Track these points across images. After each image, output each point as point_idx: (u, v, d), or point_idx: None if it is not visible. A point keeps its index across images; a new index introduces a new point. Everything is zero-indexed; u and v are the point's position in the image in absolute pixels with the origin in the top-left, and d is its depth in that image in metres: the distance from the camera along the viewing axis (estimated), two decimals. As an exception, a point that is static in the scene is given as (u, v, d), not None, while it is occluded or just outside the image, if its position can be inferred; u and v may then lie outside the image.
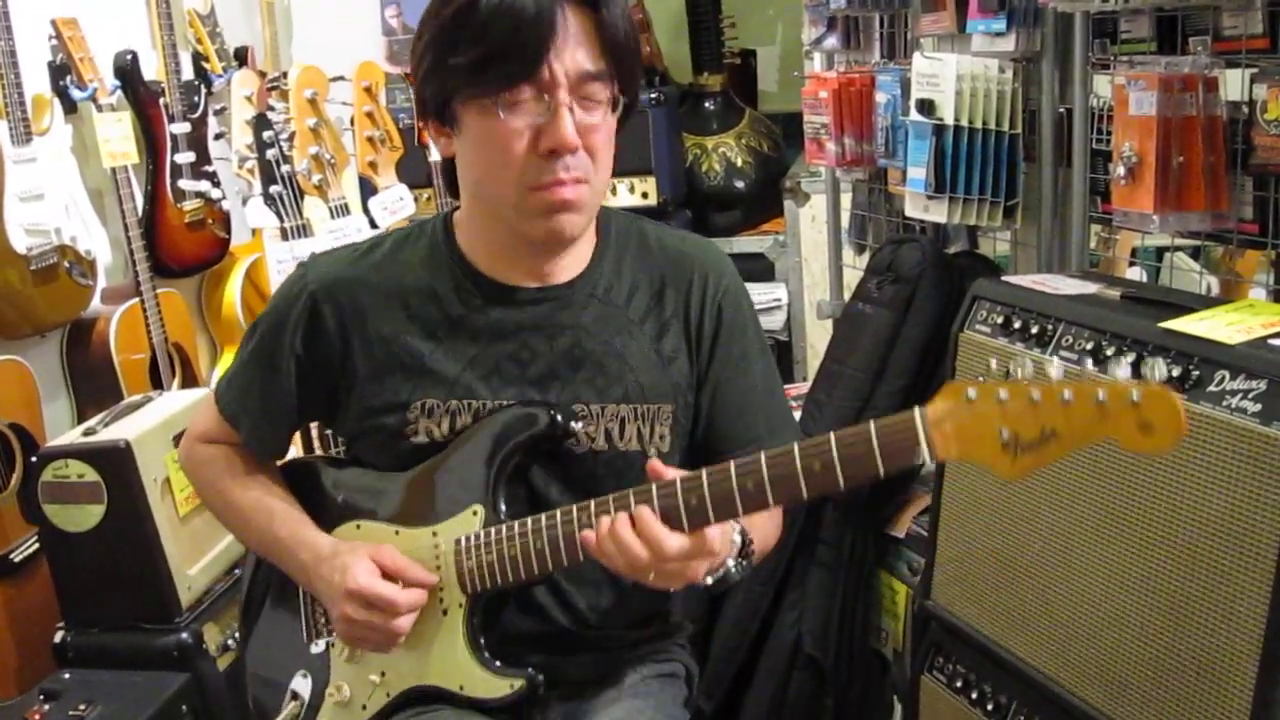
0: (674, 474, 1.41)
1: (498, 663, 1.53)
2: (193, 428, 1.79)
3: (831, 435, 1.32)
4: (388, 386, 1.59)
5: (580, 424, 1.57)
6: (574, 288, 1.61)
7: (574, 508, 1.47)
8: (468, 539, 1.53)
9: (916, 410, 1.28)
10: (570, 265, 1.61)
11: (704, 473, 1.38)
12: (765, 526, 1.62)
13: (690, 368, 1.64)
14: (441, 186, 3.06)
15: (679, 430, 1.64)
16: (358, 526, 1.61)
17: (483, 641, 1.54)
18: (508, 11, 1.41)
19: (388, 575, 1.51)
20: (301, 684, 1.65)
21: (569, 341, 1.59)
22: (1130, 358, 1.22)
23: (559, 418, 1.55)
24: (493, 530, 1.52)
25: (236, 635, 2.63)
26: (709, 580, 1.46)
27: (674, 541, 1.37)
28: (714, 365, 1.65)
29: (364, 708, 1.60)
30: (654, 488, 1.40)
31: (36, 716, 2.36)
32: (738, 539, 1.48)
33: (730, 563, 1.47)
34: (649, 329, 1.62)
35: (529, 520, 1.49)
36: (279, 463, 1.78)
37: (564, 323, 1.59)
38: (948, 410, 1.26)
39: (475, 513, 1.54)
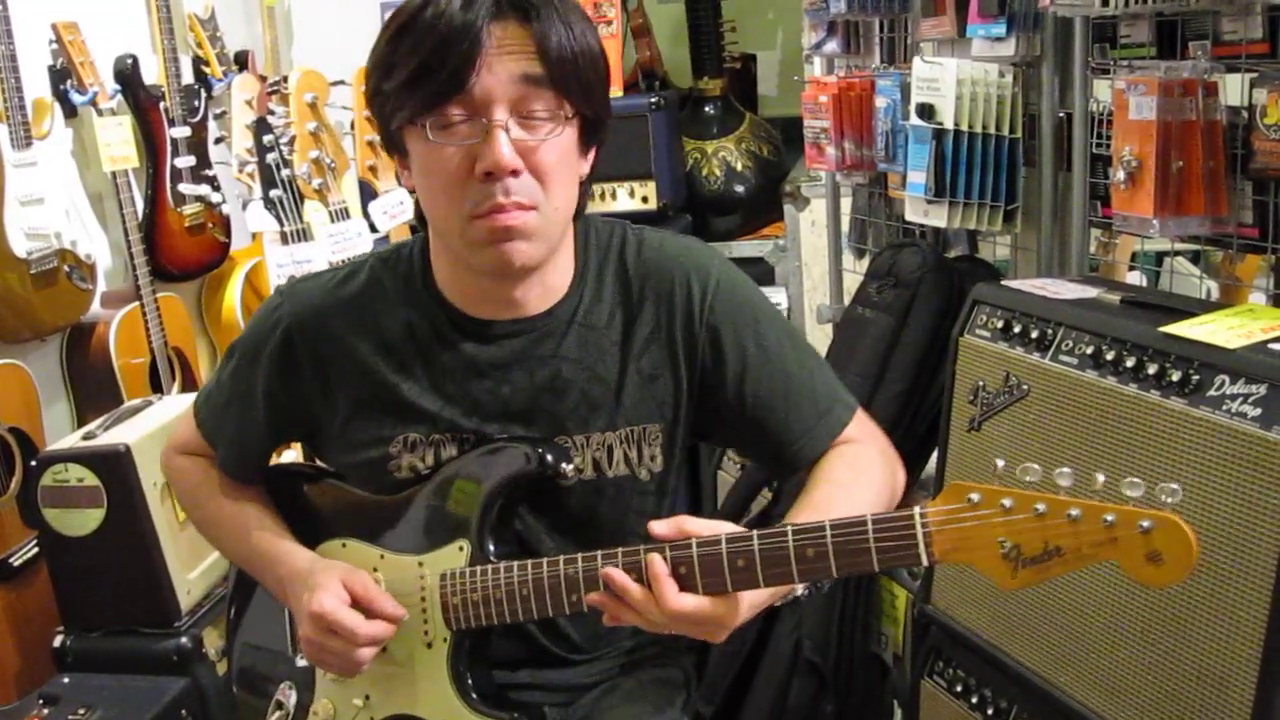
0: (660, 529, 1.37)
1: (482, 704, 1.51)
2: (172, 438, 1.77)
3: (827, 523, 1.29)
4: (368, 423, 1.56)
5: (570, 465, 1.52)
6: (552, 316, 1.53)
7: (560, 559, 1.42)
8: (453, 574, 1.49)
9: (916, 510, 1.25)
10: (547, 292, 1.53)
11: (694, 543, 1.33)
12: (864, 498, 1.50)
13: (675, 383, 1.56)
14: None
15: (672, 448, 1.58)
16: (343, 545, 1.58)
17: (469, 679, 1.52)
18: (433, 29, 1.35)
19: (357, 603, 1.47)
20: (287, 695, 1.64)
21: (550, 374, 1.53)
22: (1140, 484, 1.18)
23: (549, 457, 1.50)
24: (478, 570, 1.48)
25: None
26: (779, 603, 1.42)
27: (689, 602, 1.32)
28: (728, 368, 1.55)
29: None
30: (642, 552, 1.36)
31: (36, 721, 2.37)
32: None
33: (800, 589, 1.42)
34: (630, 348, 1.55)
35: (515, 565, 1.45)
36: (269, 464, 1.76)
37: (543, 354, 1.53)
38: (949, 513, 1.23)
39: (461, 548, 1.50)
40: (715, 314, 1.55)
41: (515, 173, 1.38)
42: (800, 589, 1.43)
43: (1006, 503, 1.21)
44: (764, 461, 1.64)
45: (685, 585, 1.34)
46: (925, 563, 1.26)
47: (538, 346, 1.53)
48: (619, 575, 1.35)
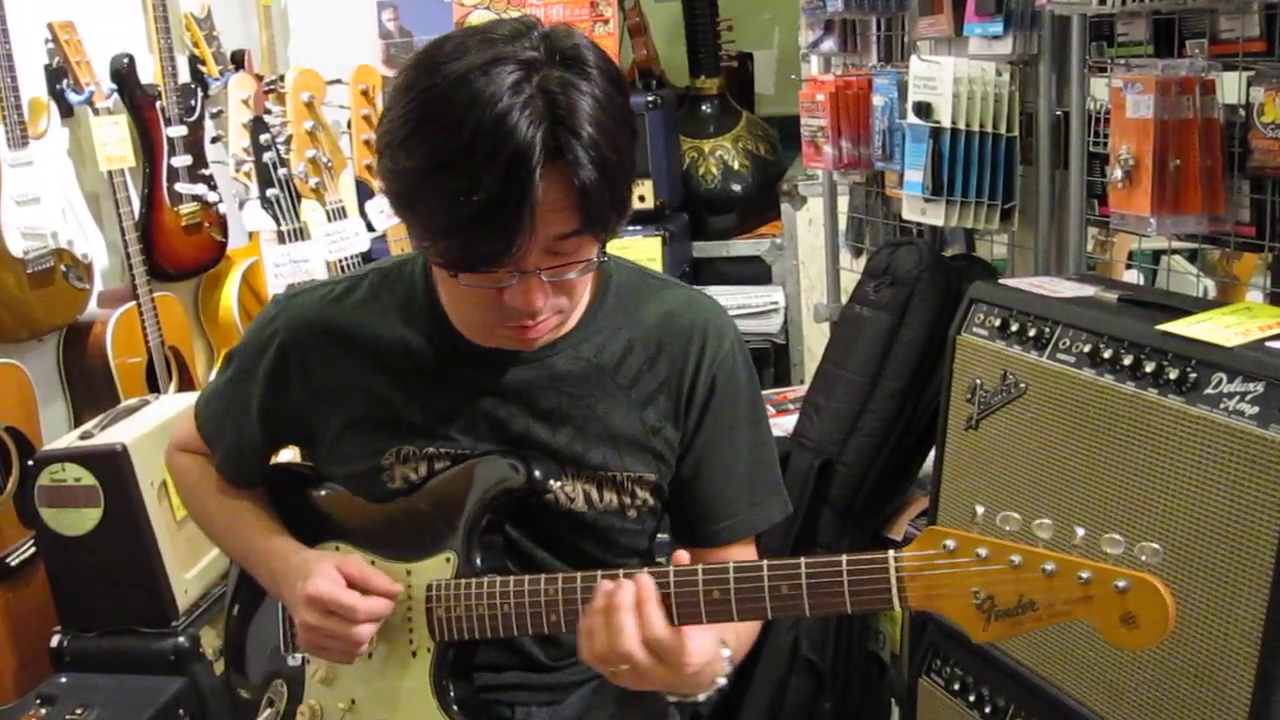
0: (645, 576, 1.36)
1: (463, 716, 1.51)
2: (175, 435, 1.78)
3: (802, 561, 1.28)
4: (361, 437, 1.55)
5: (558, 483, 1.52)
6: (557, 349, 1.52)
7: (542, 579, 1.42)
8: (438, 585, 1.49)
9: (891, 555, 1.24)
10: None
11: (671, 572, 1.34)
12: (748, 634, 1.57)
13: (676, 436, 1.57)
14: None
15: (660, 495, 1.59)
16: (337, 548, 1.59)
17: (451, 691, 1.51)
18: (473, 204, 1.23)
19: (352, 584, 1.47)
20: (278, 692, 1.64)
21: (548, 405, 1.52)
22: (1120, 541, 1.15)
23: (537, 473, 1.50)
24: (463, 583, 1.48)
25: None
26: (673, 699, 1.43)
27: (664, 628, 1.31)
28: (700, 434, 1.57)
29: None
30: (621, 576, 1.35)
31: (33, 721, 2.36)
32: (722, 681, 1.42)
33: (702, 696, 1.42)
34: (636, 395, 1.54)
35: (499, 581, 1.45)
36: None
37: (544, 385, 1.52)
38: (924, 560, 1.22)
39: (448, 559, 1.50)
40: (717, 379, 1.57)
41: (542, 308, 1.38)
42: (703, 696, 1.42)
43: (982, 552, 1.19)
44: (678, 526, 1.64)
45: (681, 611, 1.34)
46: (898, 608, 1.25)
47: (539, 377, 1.52)
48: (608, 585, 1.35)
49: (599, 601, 1.34)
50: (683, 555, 1.38)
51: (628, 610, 1.32)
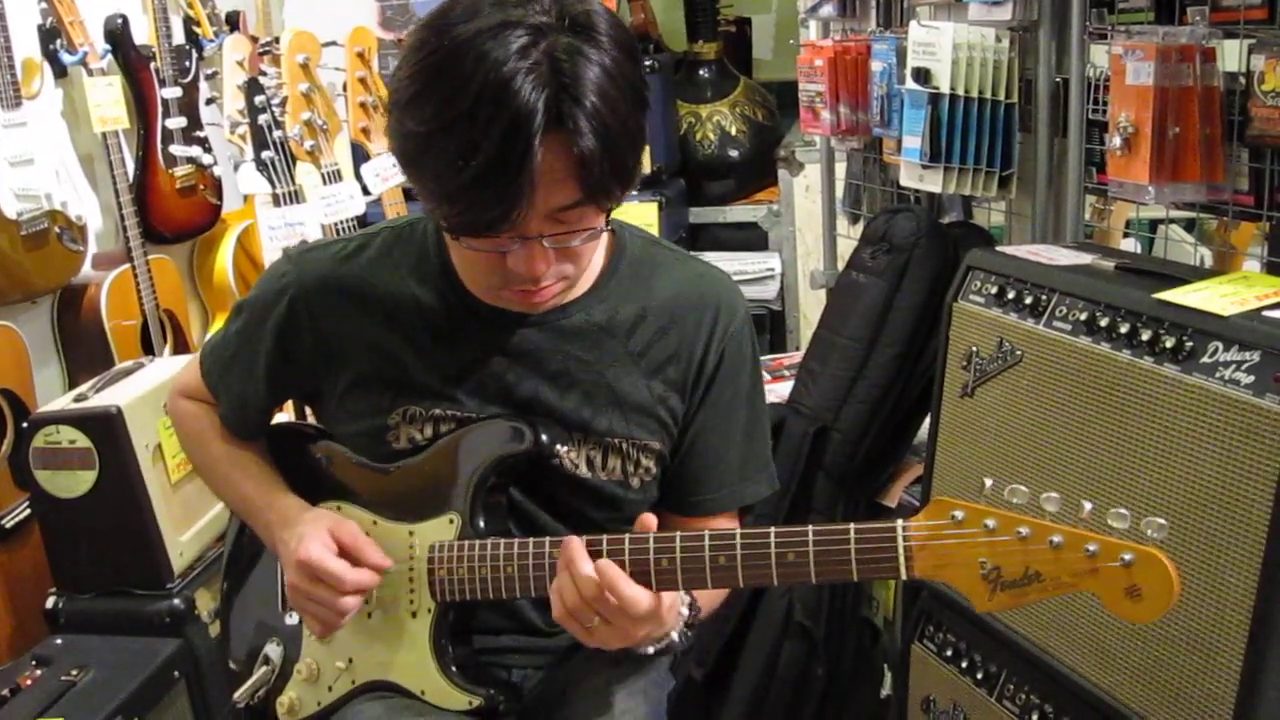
0: (649, 522, 1.39)
1: (460, 676, 1.52)
2: (178, 382, 1.78)
3: (810, 530, 1.29)
4: (368, 395, 1.56)
5: (565, 448, 1.52)
6: (568, 312, 1.52)
7: (546, 541, 1.43)
8: (441, 547, 1.50)
9: (899, 524, 1.25)
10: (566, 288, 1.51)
11: (678, 537, 1.35)
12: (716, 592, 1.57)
13: (682, 408, 1.58)
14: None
15: (664, 464, 1.59)
16: (338, 508, 1.59)
17: (450, 651, 1.53)
18: (472, 168, 1.23)
19: (345, 551, 1.48)
20: (274, 651, 1.65)
21: (557, 368, 1.53)
22: (1127, 515, 1.16)
23: (544, 438, 1.50)
24: (466, 544, 1.48)
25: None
26: (651, 649, 1.44)
27: (641, 597, 1.33)
28: (702, 406, 1.58)
29: (330, 689, 1.59)
30: (627, 540, 1.36)
31: (28, 682, 2.36)
32: (685, 611, 1.44)
33: (675, 635, 1.44)
34: (646, 365, 1.55)
35: (502, 543, 1.46)
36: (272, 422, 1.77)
37: (554, 348, 1.52)
38: (931, 530, 1.23)
39: (451, 521, 1.51)
40: (725, 354, 1.58)
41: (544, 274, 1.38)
42: (676, 635, 1.44)
43: (990, 523, 1.21)
44: (664, 492, 1.64)
45: (665, 577, 1.35)
46: (904, 577, 1.26)
47: (549, 340, 1.53)
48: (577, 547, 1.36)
49: (563, 559, 1.36)
50: (649, 520, 1.39)
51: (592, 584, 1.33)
